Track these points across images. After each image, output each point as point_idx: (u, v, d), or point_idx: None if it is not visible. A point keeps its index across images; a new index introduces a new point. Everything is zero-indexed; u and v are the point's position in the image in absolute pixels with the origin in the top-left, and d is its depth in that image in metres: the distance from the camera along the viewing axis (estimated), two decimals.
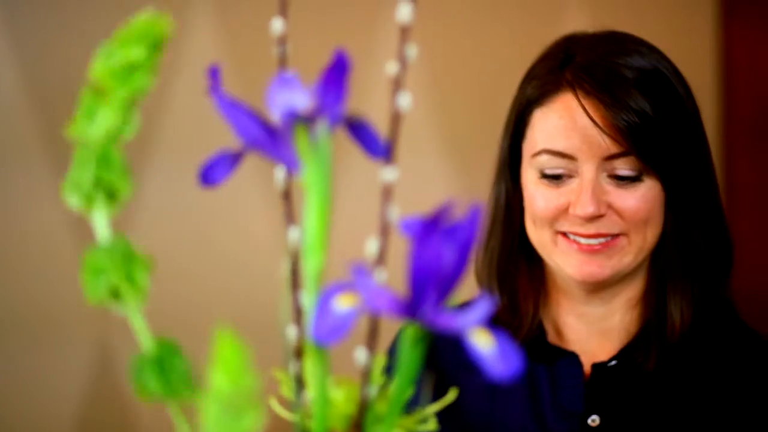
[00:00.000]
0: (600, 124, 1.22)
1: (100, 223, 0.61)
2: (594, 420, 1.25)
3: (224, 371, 0.55)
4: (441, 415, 1.24)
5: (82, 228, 1.80)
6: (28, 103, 1.79)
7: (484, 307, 0.65)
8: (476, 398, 1.31)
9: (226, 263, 1.92)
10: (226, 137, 1.70)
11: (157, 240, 1.86)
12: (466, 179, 2.04)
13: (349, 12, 2.11)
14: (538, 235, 1.28)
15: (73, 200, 0.58)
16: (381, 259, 0.75)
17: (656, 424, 1.25)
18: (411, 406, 0.81)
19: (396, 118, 0.73)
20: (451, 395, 0.82)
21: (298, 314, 0.80)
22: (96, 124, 0.56)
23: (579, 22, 1.43)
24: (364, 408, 0.75)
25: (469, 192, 1.97)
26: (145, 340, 0.58)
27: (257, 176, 1.87)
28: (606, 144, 1.22)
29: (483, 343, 0.64)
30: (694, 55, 2.19)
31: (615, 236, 1.24)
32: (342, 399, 0.78)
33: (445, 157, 2.03)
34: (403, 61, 0.73)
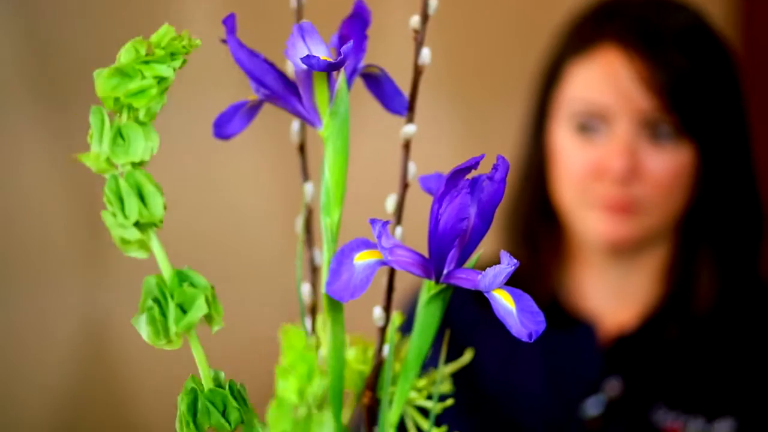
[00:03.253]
0: (640, 79, 1.20)
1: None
2: (611, 387, 1.23)
3: (294, 378, 0.53)
4: (456, 380, 1.23)
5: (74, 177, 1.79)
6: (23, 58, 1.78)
7: (506, 268, 0.63)
8: (491, 365, 1.29)
9: (230, 220, 1.90)
10: (229, 90, 1.68)
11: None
12: (475, 133, 2.01)
13: None
14: (565, 195, 1.26)
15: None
16: (399, 216, 0.73)
17: (675, 394, 1.24)
18: (426, 366, 0.80)
19: (418, 72, 0.71)
20: (467, 356, 0.80)
21: (312, 272, 0.78)
22: (132, 150, 0.56)
23: None
24: (378, 367, 0.73)
25: (478, 147, 1.94)
26: (165, 267, 0.57)
27: (261, 133, 1.85)
28: (645, 101, 1.20)
29: (506, 302, 0.62)
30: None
31: (643, 199, 1.22)
32: (356, 358, 0.77)
33: (452, 112, 2.01)
34: (424, 15, 0.71)
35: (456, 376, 0.79)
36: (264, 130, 1.66)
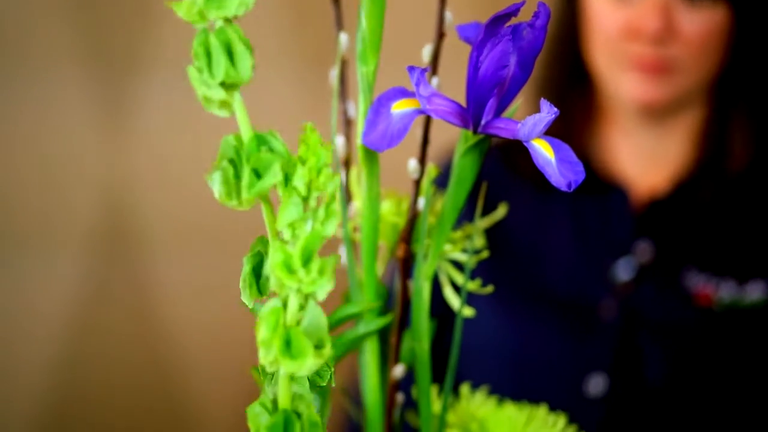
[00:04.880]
0: None
1: None
2: (642, 251, 1.23)
3: (303, 169, 0.52)
4: (487, 242, 1.23)
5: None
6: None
7: (545, 116, 0.62)
8: (520, 229, 1.29)
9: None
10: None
11: (163, 146, 1.82)
12: None
13: None
14: (599, 57, 1.23)
15: None
16: (435, 66, 0.72)
17: (707, 257, 1.23)
18: (459, 222, 0.79)
19: None
20: (501, 211, 0.80)
21: (346, 124, 0.78)
22: (226, 4, 0.53)
23: None
24: (413, 220, 0.73)
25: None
26: (245, 129, 0.55)
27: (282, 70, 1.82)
28: None
29: (545, 151, 0.62)
30: None
31: (677, 59, 1.20)
32: (390, 211, 0.77)
33: None
34: None
35: (486, 241, 0.79)
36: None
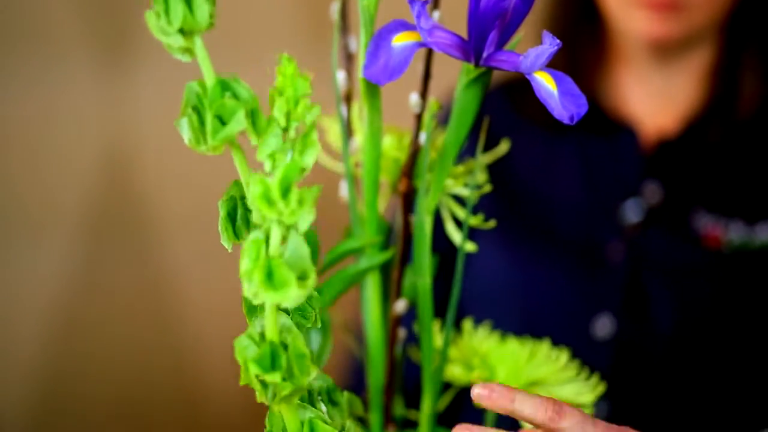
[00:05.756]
0: None
1: None
2: (652, 193, 1.22)
3: (282, 100, 0.52)
4: (494, 184, 1.22)
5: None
6: None
7: (548, 48, 0.62)
8: (527, 171, 1.28)
9: None
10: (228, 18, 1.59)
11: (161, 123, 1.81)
12: None
13: None
14: None
15: None
16: (436, 0, 0.71)
17: (716, 198, 1.23)
18: (462, 157, 0.79)
19: None
20: (503, 147, 0.79)
21: (347, 59, 0.77)
22: None
23: None
24: (415, 155, 0.73)
25: None
26: (208, 75, 0.55)
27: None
28: None
29: (547, 84, 0.61)
30: None
31: None
32: (392, 145, 0.76)
33: None
34: None
35: (491, 181, 0.79)
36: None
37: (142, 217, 1.82)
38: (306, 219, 0.51)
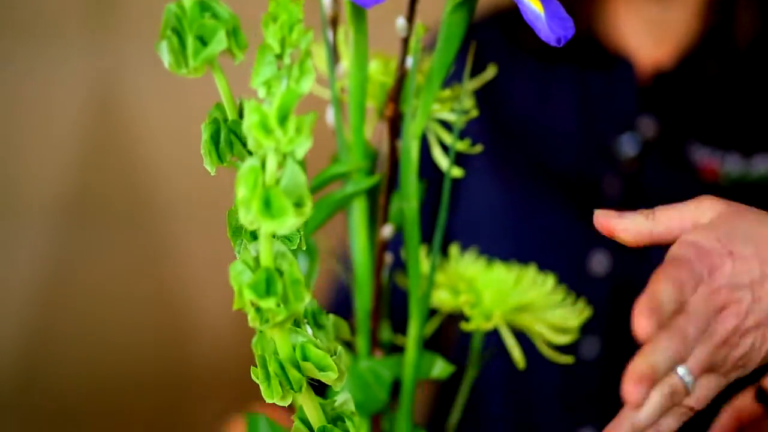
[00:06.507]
0: None
1: None
2: (646, 126, 1.22)
3: (275, 26, 0.52)
4: (483, 119, 1.21)
5: None
6: None
7: None
8: (521, 102, 1.27)
9: None
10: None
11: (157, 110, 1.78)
12: None
13: None
14: None
15: None
16: None
17: (712, 130, 1.22)
18: (449, 83, 0.79)
19: None
20: (490, 71, 0.79)
21: None
22: None
23: None
24: (401, 79, 0.72)
25: None
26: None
27: None
28: None
29: (534, 6, 0.61)
30: None
31: None
32: (378, 70, 0.76)
33: None
34: None
35: (483, 114, 0.78)
36: None
37: (130, 199, 1.81)
38: (303, 146, 0.50)
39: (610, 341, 1.19)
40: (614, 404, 1.24)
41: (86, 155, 1.76)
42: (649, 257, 1.20)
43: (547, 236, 1.22)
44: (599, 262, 1.20)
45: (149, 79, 1.74)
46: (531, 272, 0.82)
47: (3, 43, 1.70)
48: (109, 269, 1.80)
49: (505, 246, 1.23)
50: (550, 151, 1.25)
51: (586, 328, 1.20)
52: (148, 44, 1.73)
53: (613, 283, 1.20)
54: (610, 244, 1.20)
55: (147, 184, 1.81)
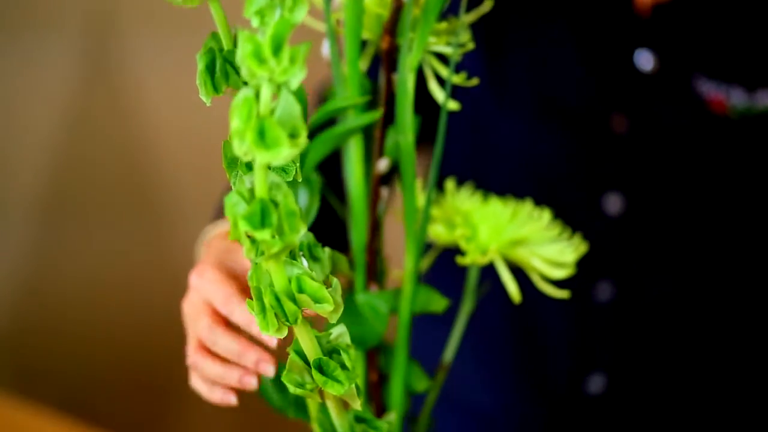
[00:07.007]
0: None
1: None
2: (647, 60, 1.20)
3: None
4: (482, 55, 1.19)
5: None
6: None
7: None
8: (524, 40, 1.25)
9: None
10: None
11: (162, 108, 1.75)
12: None
13: None
14: None
15: None
16: None
17: (716, 63, 1.20)
18: (445, 16, 0.78)
19: None
20: (487, 5, 0.78)
21: None
22: None
23: None
24: (398, 11, 0.72)
25: None
26: None
27: None
28: None
29: None
30: None
31: None
32: (374, 2, 0.75)
33: None
34: None
35: (481, 49, 0.77)
36: None
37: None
38: (297, 77, 0.50)
39: (624, 284, 1.19)
40: (627, 350, 1.24)
41: (77, 145, 1.76)
42: (663, 198, 1.19)
43: (558, 175, 1.21)
44: (613, 203, 1.19)
45: (144, 67, 1.73)
46: (527, 207, 0.82)
47: None
48: (100, 261, 1.80)
49: (515, 185, 1.21)
50: (554, 89, 1.23)
51: (599, 271, 1.20)
52: (148, 32, 1.72)
53: (626, 225, 1.19)
54: (623, 185, 1.19)
55: (140, 176, 1.81)
